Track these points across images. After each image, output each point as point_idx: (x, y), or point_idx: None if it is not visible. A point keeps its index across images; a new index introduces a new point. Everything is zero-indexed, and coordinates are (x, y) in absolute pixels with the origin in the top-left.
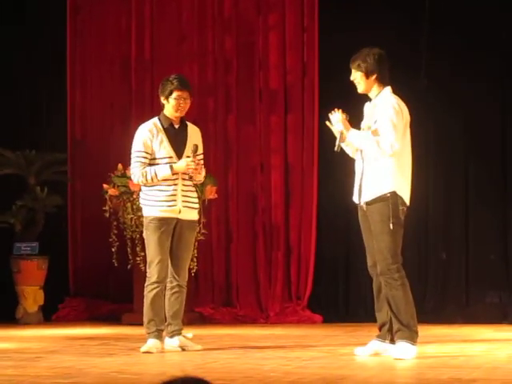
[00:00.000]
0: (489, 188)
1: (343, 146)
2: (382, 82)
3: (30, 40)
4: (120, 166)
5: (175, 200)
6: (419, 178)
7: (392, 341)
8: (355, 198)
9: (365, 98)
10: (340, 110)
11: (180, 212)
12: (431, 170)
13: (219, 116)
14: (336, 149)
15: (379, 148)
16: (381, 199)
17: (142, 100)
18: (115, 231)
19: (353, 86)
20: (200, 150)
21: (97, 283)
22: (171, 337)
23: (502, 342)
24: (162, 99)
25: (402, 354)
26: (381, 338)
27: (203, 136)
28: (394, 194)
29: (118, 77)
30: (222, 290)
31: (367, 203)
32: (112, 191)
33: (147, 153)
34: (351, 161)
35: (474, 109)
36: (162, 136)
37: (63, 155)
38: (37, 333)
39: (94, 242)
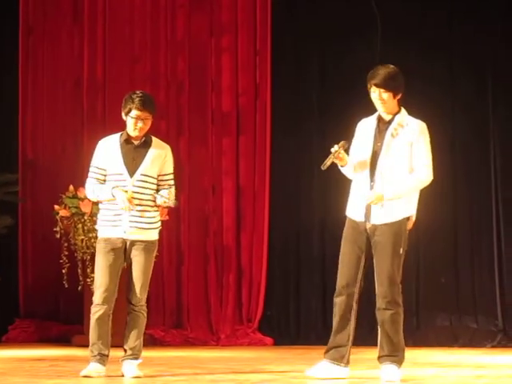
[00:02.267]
0: (439, 210)
1: (342, 169)
2: (400, 102)
3: None
4: (71, 187)
5: (120, 220)
6: None
7: (347, 364)
8: (358, 216)
9: (319, 118)
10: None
11: (125, 232)
12: None
13: (171, 138)
14: (323, 167)
15: (421, 183)
16: (398, 222)
17: (93, 120)
18: (66, 252)
19: (307, 106)
20: (169, 169)
21: (47, 304)
22: (122, 361)
23: (453, 366)
24: (123, 115)
25: (392, 376)
26: (334, 360)
27: None
28: (407, 218)
29: (69, 97)
30: (173, 312)
31: (383, 224)
32: (63, 212)
33: (100, 168)
34: (303, 183)
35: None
36: (117, 151)
37: (14, 176)
38: None
39: (45, 263)
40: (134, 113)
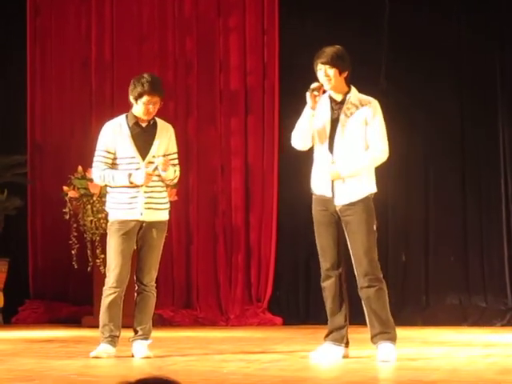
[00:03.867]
0: (449, 190)
1: (303, 121)
2: (347, 80)
3: None
4: (80, 168)
5: (136, 202)
6: (379, 180)
7: (347, 344)
8: (325, 193)
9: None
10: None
11: (142, 214)
12: (391, 172)
13: (179, 118)
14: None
15: (376, 160)
16: (366, 199)
17: (102, 101)
18: (75, 233)
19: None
20: (173, 149)
21: (57, 285)
22: (132, 341)
23: (462, 344)
24: (131, 99)
25: (387, 355)
26: (336, 341)
27: None
28: (372, 195)
29: (78, 78)
30: (183, 293)
31: (352, 203)
32: (72, 193)
33: (109, 152)
34: (311, 163)
35: (434, 110)
36: (126, 135)
37: (23, 157)
38: None
39: (54, 245)
40: (146, 98)
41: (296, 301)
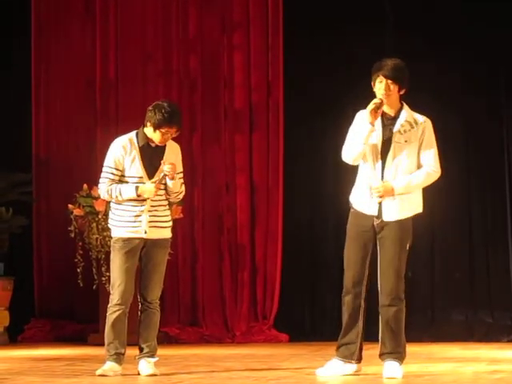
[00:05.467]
0: (454, 205)
1: (361, 136)
2: (402, 97)
3: None
4: (85, 186)
5: (140, 221)
6: None
7: (359, 360)
8: (370, 210)
9: (331, 115)
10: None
11: (146, 233)
12: None
13: (184, 135)
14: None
15: (430, 179)
16: (409, 218)
17: (106, 119)
18: (81, 251)
19: (318, 102)
20: (179, 168)
21: (62, 304)
22: (138, 359)
23: (468, 360)
24: (148, 124)
25: (393, 372)
26: (345, 357)
27: None
28: (415, 214)
29: (82, 96)
30: (188, 310)
31: (397, 221)
32: (77, 211)
33: (117, 169)
34: (316, 180)
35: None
36: (136, 154)
37: (28, 175)
38: (2, 354)
39: (60, 263)
40: (165, 129)
41: (302, 318)
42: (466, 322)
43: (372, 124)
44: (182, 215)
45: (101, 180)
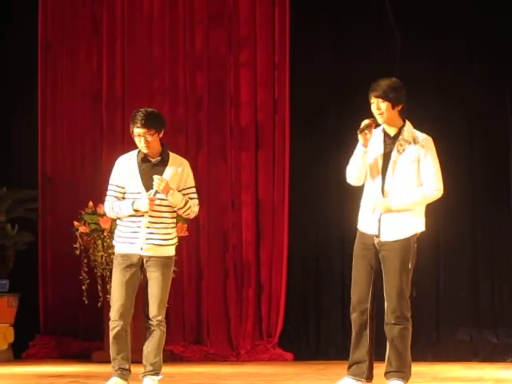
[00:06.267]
0: (458, 223)
1: (357, 158)
2: (402, 114)
3: (0, 76)
4: (91, 203)
5: (137, 237)
6: None
7: (369, 379)
8: (370, 230)
9: (336, 132)
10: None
11: (142, 249)
12: None
13: (190, 152)
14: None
15: (427, 198)
16: (408, 238)
17: (113, 136)
18: (86, 269)
19: (325, 120)
20: (188, 183)
21: (67, 321)
22: (143, 377)
23: (473, 380)
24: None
25: None
26: (356, 376)
27: None
28: (416, 234)
29: (89, 113)
30: (193, 328)
31: (395, 241)
32: (82, 228)
33: (119, 186)
34: (322, 198)
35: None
36: (134, 170)
37: (34, 192)
38: (7, 371)
39: (65, 280)
40: (136, 131)
41: (307, 336)
42: (471, 342)
43: (364, 146)
44: (187, 233)
45: (106, 198)
